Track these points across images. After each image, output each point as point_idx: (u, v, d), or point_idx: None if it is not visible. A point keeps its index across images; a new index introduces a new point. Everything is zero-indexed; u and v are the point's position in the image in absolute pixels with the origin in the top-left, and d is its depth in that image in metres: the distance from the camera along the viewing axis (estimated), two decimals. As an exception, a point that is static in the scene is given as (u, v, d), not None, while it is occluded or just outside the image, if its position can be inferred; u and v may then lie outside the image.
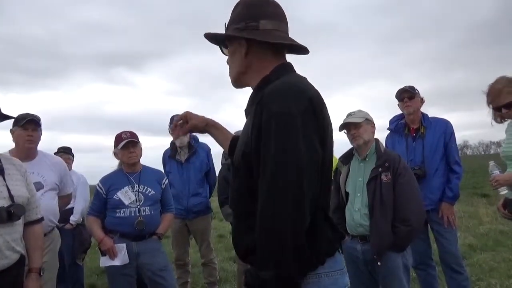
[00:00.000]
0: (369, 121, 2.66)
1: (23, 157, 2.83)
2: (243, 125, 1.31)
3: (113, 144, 3.13)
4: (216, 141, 1.61)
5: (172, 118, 4.00)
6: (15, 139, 2.86)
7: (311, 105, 1.12)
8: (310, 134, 1.10)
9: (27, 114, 2.85)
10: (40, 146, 3.01)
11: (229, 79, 1.39)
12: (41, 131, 2.93)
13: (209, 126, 1.59)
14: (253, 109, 1.18)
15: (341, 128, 2.69)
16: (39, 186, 2.83)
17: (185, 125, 1.59)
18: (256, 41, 1.26)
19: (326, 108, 1.21)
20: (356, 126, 2.62)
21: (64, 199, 3.20)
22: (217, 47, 1.42)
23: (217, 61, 1.44)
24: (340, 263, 1.22)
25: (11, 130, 2.88)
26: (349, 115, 2.69)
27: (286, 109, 1.08)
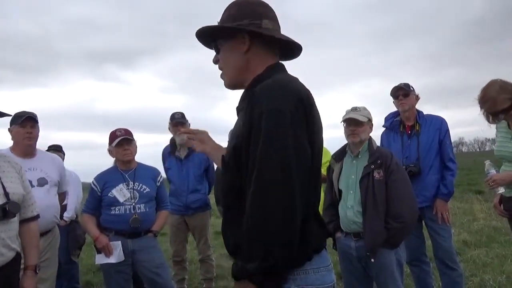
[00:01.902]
0: (370, 122, 2.68)
1: (23, 155, 2.86)
2: (235, 122, 1.32)
3: (106, 141, 3.14)
4: (218, 165, 1.59)
5: (173, 115, 4.00)
6: (14, 137, 2.90)
7: (301, 103, 1.15)
8: (299, 132, 1.12)
9: (24, 112, 2.89)
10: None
11: (221, 74, 1.38)
12: (38, 128, 2.97)
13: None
14: (245, 106, 1.20)
15: (344, 121, 2.68)
16: (43, 181, 2.87)
17: (194, 141, 1.61)
18: (259, 38, 1.28)
19: (316, 108, 1.23)
20: (358, 124, 2.62)
21: (60, 197, 3.22)
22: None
23: (211, 57, 1.44)
24: (327, 260, 1.23)
25: (9, 129, 2.91)
26: (354, 109, 2.68)
27: (276, 106, 1.11)
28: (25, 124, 2.84)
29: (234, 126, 1.31)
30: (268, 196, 1.05)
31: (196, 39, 1.39)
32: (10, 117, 2.21)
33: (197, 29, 1.34)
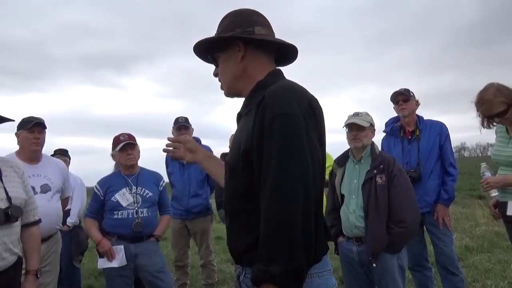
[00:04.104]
0: (371, 127, 2.70)
1: (28, 160, 2.88)
2: (239, 126, 1.32)
3: (104, 146, 3.16)
4: (210, 173, 1.59)
5: (177, 120, 4.01)
6: (20, 142, 2.91)
7: (311, 107, 1.17)
8: (313, 136, 1.14)
9: (32, 118, 2.92)
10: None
11: (220, 85, 1.40)
12: (45, 134, 2.99)
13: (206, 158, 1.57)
14: (253, 110, 1.20)
15: (346, 125, 2.70)
16: (47, 188, 2.88)
17: (181, 150, 1.57)
18: (253, 44, 1.30)
19: (323, 113, 1.25)
20: (360, 128, 2.64)
21: (64, 202, 3.23)
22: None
23: (206, 63, 1.44)
24: (328, 264, 1.24)
25: (16, 134, 2.93)
26: (356, 115, 2.70)
27: (290, 110, 1.11)
28: (33, 129, 2.87)
29: (238, 131, 1.31)
30: (292, 198, 1.05)
31: (196, 55, 1.41)
32: (10, 123, 2.23)
33: (193, 45, 1.36)
